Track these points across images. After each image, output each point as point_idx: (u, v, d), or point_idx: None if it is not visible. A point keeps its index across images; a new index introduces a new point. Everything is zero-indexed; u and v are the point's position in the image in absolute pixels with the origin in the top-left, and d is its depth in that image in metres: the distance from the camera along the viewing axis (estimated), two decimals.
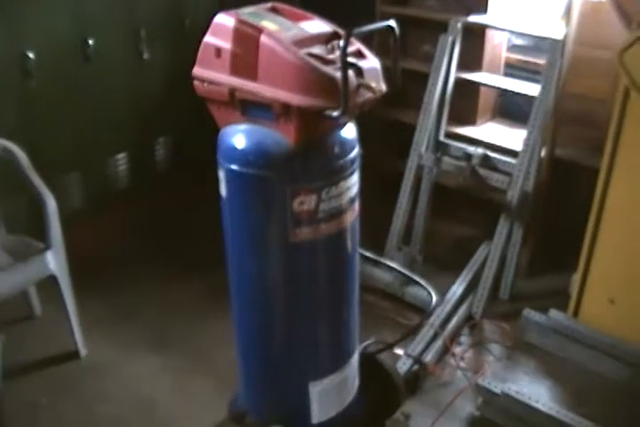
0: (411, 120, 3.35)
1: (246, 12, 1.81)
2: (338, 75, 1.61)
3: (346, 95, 1.60)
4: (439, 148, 3.20)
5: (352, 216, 1.92)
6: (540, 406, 2.33)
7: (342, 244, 1.93)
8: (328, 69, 1.64)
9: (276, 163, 1.76)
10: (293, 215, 1.79)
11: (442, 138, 3.22)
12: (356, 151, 1.87)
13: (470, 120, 3.52)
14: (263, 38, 1.69)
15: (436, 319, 2.85)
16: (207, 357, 2.81)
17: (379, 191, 3.42)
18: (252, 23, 1.73)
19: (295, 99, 1.65)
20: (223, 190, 1.89)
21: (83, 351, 2.82)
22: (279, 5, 1.91)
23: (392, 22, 1.73)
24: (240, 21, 1.74)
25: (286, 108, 1.68)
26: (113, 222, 3.50)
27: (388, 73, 1.79)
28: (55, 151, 3.24)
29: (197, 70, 1.86)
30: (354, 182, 1.88)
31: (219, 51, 1.78)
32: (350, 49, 1.73)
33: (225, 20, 1.78)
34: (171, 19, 3.61)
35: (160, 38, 3.55)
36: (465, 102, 3.43)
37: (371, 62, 1.76)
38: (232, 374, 2.45)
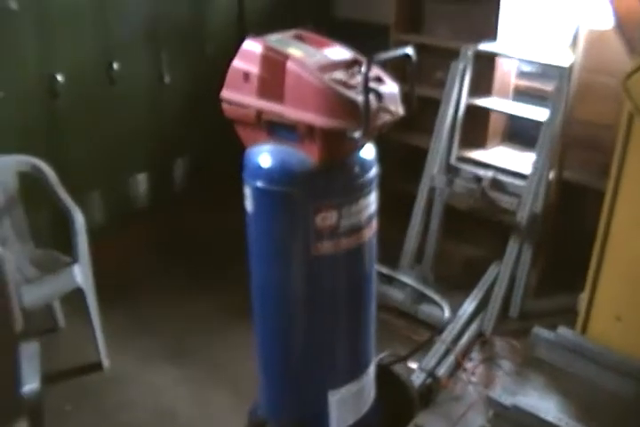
0: (423, 144, 3.47)
1: (273, 39, 1.94)
2: (359, 99, 1.73)
3: (367, 117, 1.71)
4: (450, 170, 3.31)
5: (370, 232, 2.02)
6: (550, 418, 2.40)
7: (361, 258, 2.03)
8: (350, 93, 1.76)
9: (300, 180, 1.87)
10: (316, 230, 1.90)
11: (453, 161, 3.33)
12: (374, 171, 1.98)
13: (480, 144, 3.64)
14: (289, 64, 1.82)
15: (447, 336, 2.94)
16: (225, 368, 2.91)
17: (392, 213, 3.50)
18: (279, 50, 1.85)
19: (319, 120, 1.77)
20: (249, 206, 2.00)
21: (105, 362, 2.92)
22: (303, 33, 2.04)
23: (409, 50, 1.86)
24: (267, 48, 1.86)
25: (311, 130, 1.80)
26: (134, 239, 3.61)
27: (404, 97, 1.91)
28: (79, 170, 3.34)
29: (225, 93, 1.98)
30: (372, 200, 1.99)
31: (247, 75, 1.90)
32: (370, 74, 1.85)
33: (253, 46, 1.90)
34: (191, 44, 3.74)
35: (180, 63, 3.69)
36: (475, 127, 3.55)
37: (389, 87, 1.87)
38: (250, 385, 2.54)
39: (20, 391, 1.90)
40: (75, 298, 2.82)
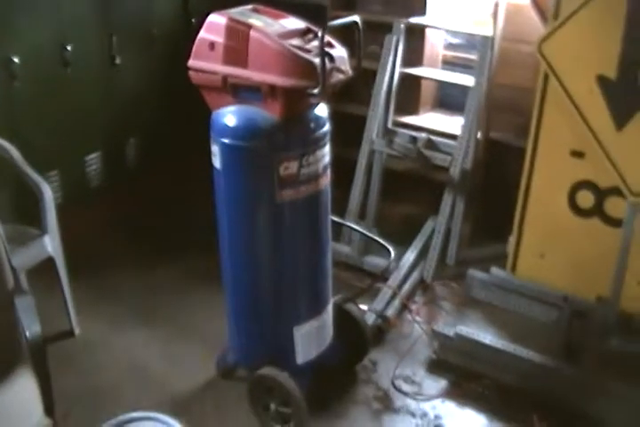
0: (361, 112, 3.76)
1: (235, 11, 2.20)
2: (316, 60, 2.01)
3: (324, 76, 2.00)
4: (388, 134, 3.61)
5: (326, 180, 2.32)
6: (487, 341, 2.76)
7: (319, 203, 2.33)
8: (308, 56, 2.04)
9: (264, 135, 2.15)
10: (279, 179, 2.18)
11: (390, 126, 3.64)
12: (327, 127, 2.27)
13: (414, 110, 3.97)
14: (252, 33, 2.09)
15: (393, 282, 3.27)
16: (193, 327, 3.10)
17: (334, 177, 3.76)
18: (242, 20, 2.11)
19: (281, 81, 2.05)
20: (217, 163, 2.26)
21: (77, 330, 3.06)
22: (260, 7, 2.30)
23: (357, 18, 2.15)
24: (231, 19, 2.13)
25: (273, 89, 2.08)
26: (93, 216, 3.74)
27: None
28: (38, 150, 3.39)
29: (193, 62, 2.24)
30: (327, 152, 2.28)
31: (212, 45, 2.16)
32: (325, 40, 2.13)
33: (217, 19, 2.16)
34: (140, 28, 3.90)
35: (131, 45, 3.84)
36: (409, 95, 3.87)
37: (339, 51, 2.17)
38: (215, 340, 2.79)
39: (23, 338, 2.09)
40: (40, 270, 2.92)
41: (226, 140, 2.18)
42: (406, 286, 3.31)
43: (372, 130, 3.57)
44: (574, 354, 2.70)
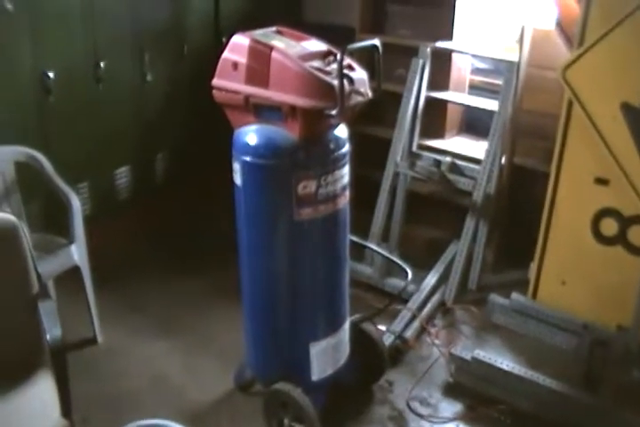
0: (386, 135, 3.78)
1: (258, 33, 2.24)
2: (335, 82, 2.04)
3: (342, 98, 2.03)
4: (412, 157, 3.63)
5: (344, 200, 2.34)
6: (504, 366, 2.74)
7: (337, 222, 2.35)
8: (327, 78, 2.07)
9: (284, 154, 2.18)
10: (297, 197, 2.21)
11: (414, 149, 3.66)
12: (347, 147, 2.30)
13: (439, 134, 3.99)
14: (274, 54, 2.13)
15: (413, 304, 3.26)
16: (212, 340, 3.16)
17: (358, 199, 3.78)
18: (264, 42, 2.16)
19: (301, 101, 2.08)
20: (238, 180, 2.30)
21: (100, 338, 3.14)
22: (283, 29, 2.35)
23: (376, 41, 2.18)
24: (254, 40, 2.17)
25: (293, 110, 2.11)
26: (120, 228, 3.82)
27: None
28: (68, 162, 3.47)
29: (216, 81, 2.28)
30: (345, 173, 2.30)
31: (235, 65, 2.21)
32: (345, 63, 2.16)
33: (241, 39, 2.21)
34: (171, 45, 3.98)
35: (161, 62, 3.93)
36: (434, 118, 3.89)
37: (359, 74, 2.20)
38: (234, 353, 2.82)
39: (44, 341, 2.16)
40: (67, 278, 3.02)
41: (246, 158, 2.22)
42: (426, 309, 3.30)
43: (397, 152, 3.59)
44: (593, 383, 2.66)
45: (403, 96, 3.61)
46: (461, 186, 3.44)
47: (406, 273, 2.70)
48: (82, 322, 3.10)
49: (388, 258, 2.97)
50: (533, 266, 3.14)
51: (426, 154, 3.61)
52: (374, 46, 2.19)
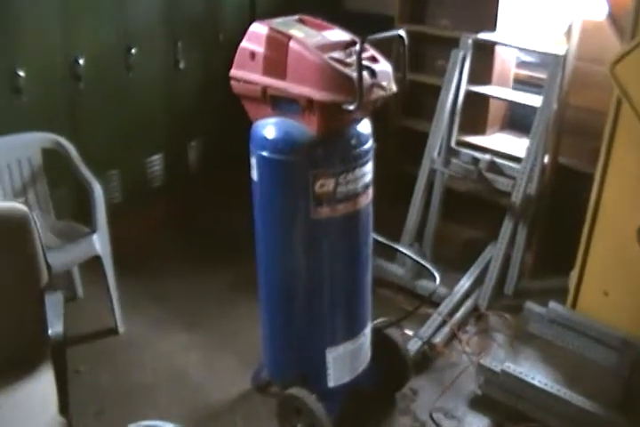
0: (424, 129, 3.62)
1: (277, 21, 2.11)
2: (354, 74, 1.90)
3: (360, 91, 1.88)
4: (450, 153, 3.46)
5: (366, 200, 2.20)
6: (536, 382, 2.56)
7: (357, 222, 2.21)
8: (346, 70, 1.93)
9: (301, 150, 2.05)
10: (315, 196, 2.08)
11: (453, 145, 3.49)
12: (370, 144, 2.15)
13: (480, 130, 3.79)
14: (292, 44, 1.99)
15: (444, 308, 3.11)
16: (233, 337, 3.08)
17: (393, 194, 3.70)
18: (282, 31, 2.02)
19: (318, 94, 1.94)
20: (255, 175, 2.18)
21: (121, 328, 3.10)
22: (305, 17, 2.21)
23: (401, 31, 2.03)
24: (272, 29, 2.04)
25: (310, 103, 1.97)
26: (150, 216, 3.79)
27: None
28: (99, 150, 3.48)
29: (234, 72, 2.16)
30: (368, 171, 2.16)
31: (253, 54, 2.08)
32: (366, 54, 2.02)
33: (259, 28, 2.08)
34: (205, 31, 3.90)
35: (195, 49, 3.86)
36: (475, 114, 3.70)
37: (383, 66, 2.05)
38: (254, 352, 2.73)
39: (47, 335, 2.11)
40: (93, 268, 3.01)
41: (263, 153, 2.10)
42: (458, 314, 3.14)
43: (433, 148, 3.43)
44: (631, 404, 2.47)
45: (442, 89, 3.43)
46: (500, 186, 3.26)
47: (435, 277, 2.55)
48: (104, 311, 3.09)
49: (416, 261, 2.82)
50: (574, 274, 2.95)
51: (464, 151, 3.44)
52: (399, 36, 2.04)
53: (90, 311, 3.19)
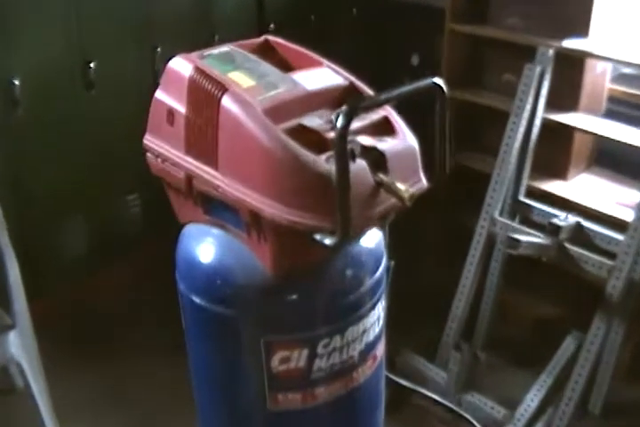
0: (484, 168, 2.66)
1: (215, 53, 1.18)
2: (333, 172, 0.95)
3: (344, 211, 0.92)
4: (517, 209, 2.48)
5: (370, 368, 1.25)
6: None
7: (351, 410, 1.27)
8: (320, 161, 0.98)
9: (245, 298, 1.12)
10: (271, 376, 1.14)
11: (522, 197, 2.50)
12: (378, 273, 1.20)
13: (560, 172, 2.77)
14: (226, 100, 1.05)
15: None
16: None
17: (446, 251, 2.83)
18: (214, 74, 1.08)
19: (268, 207, 0.99)
20: (183, 319, 1.26)
21: None
22: (275, 39, 1.26)
23: (438, 80, 1.05)
24: (198, 70, 1.10)
25: (257, 219, 1.03)
26: (124, 272, 2.99)
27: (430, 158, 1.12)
28: (54, 194, 2.77)
29: (148, 139, 1.24)
30: (373, 321, 1.21)
31: (171, 114, 1.15)
32: (373, 117, 1.07)
33: (181, 66, 1.14)
34: (197, 33, 3.06)
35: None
36: (554, 150, 2.69)
37: (401, 143, 1.08)
38: None
39: None
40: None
41: (190, 295, 1.18)
42: None
43: (495, 204, 2.44)
44: None
45: (510, 116, 2.45)
46: (589, 267, 2.27)
47: None
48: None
49: (452, 409, 1.90)
50: None
51: (538, 207, 2.45)
52: (435, 85, 1.06)
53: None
